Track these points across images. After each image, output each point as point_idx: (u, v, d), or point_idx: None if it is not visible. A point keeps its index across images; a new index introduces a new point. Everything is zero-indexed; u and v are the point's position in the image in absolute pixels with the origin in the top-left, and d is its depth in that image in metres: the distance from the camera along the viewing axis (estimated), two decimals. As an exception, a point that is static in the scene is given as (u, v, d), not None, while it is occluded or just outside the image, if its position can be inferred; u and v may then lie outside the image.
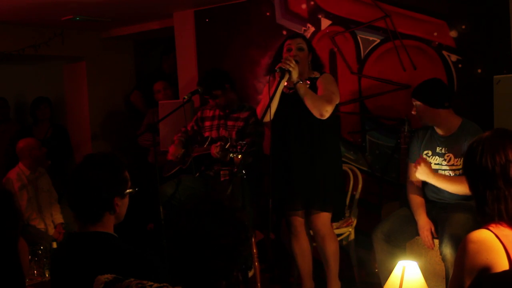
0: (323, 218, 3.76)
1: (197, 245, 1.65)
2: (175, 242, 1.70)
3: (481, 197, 1.89)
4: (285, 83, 3.67)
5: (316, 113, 3.59)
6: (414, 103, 3.54)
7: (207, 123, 4.50)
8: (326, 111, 3.59)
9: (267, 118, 3.69)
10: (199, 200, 1.75)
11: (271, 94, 3.60)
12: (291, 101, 3.70)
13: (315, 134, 3.69)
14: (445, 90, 3.54)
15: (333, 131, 3.83)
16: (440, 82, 3.60)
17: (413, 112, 3.57)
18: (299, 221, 3.86)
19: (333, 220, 3.95)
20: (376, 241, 3.58)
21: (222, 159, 4.07)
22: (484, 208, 1.89)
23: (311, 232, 3.94)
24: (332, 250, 3.80)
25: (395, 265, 2.78)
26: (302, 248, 3.90)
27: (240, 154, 3.48)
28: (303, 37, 3.89)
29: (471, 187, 1.94)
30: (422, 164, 3.42)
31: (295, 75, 3.55)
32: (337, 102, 3.70)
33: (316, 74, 3.80)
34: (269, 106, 3.49)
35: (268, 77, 3.71)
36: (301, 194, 3.73)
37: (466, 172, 1.95)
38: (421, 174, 3.44)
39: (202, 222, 1.66)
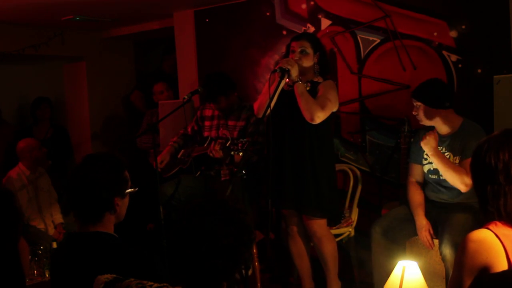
0: (318, 220, 3.75)
1: (197, 243, 1.65)
2: (176, 240, 1.70)
3: (483, 194, 1.91)
4: (286, 80, 3.66)
5: (307, 116, 3.55)
6: (414, 104, 3.52)
7: (207, 123, 4.50)
8: (318, 117, 3.55)
9: (260, 115, 3.72)
10: (203, 199, 1.74)
11: (271, 93, 3.60)
12: (289, 98, 3.68)
13: (307, 135, 3.66)
14: (446, 90, 3.53)
15: (327, 135, 3.77)
16: (440, 82, 3.59)
17: (414, 113, 3.56)
18: (294, 220, 3.84)
19: (330, 225, 3.95)
20: (374, 235, 3.57)
21: (223, 159, 4.07)
22: (486, 205, 1.90)
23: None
24: (329, 251, 3.78)
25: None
26: (299, 248, 3.89)
27: (241, 152, 3.47)
28: (308, 38, 3.79)
29: (475, 184, 1.96)
30: (432, 136, 3.39)
31: (294, 73, 3.53)
32: (332, 110, 3.65)
33: (319, 79, 3.75)
34: (269, 106, 3.49)
35: (269, 76, 3.70)
36: (292, 195, 3.71)
37: (472, 169, 1.97)
38: (426, 144, 3.40)
39: (204, 220, 1.66)
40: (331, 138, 3.82)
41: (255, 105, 3.84)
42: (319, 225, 3.74)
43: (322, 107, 3.56)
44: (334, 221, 4.02)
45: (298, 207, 3.76)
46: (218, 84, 4.31)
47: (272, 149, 3.72)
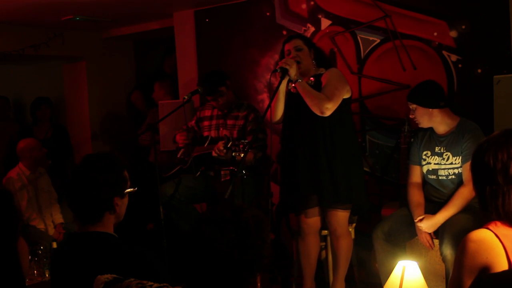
0: (340, 217, 3.71)
1: (206, 257, 1.61)
2: (189, 245, 1.66)
3: (482, 194, 1.91)
4: (292, 84, 3.65)
5: (316, 111, 3.51)
6: (410, 107, 3.54)
7: (206, 123, 4.50)
8: (327, 108, 3.49)
9: (274, 119, 3.71)
10: (229, 211, 1.67)
11: (275, 94, 3.60)
12: (297, 99, 3.67)
13: (320, 130, 3.63)
14: (439, 90, 3.55)
15: (348, 126, 3.73)
16: (433, 83, 3.60)
17: (411, 116, 3.58)
18: (309, 219, 3.81)
19: (354, 214, 3.90)
20: (376, 240, 3.58)
21: (226, 159, 4.07)
22: (485, 206, 1.91)
23: (323, 232, 3.94)
24: (345, 251, 3.76)
25: (395, 265, 2.79)
26: (308, 248, 3.86)
27: (242, 153, 3.47)
28: (298, 36, 3.82)
29: (474, 184, 1.96)
30: (423, 221, 3.44)
31: (293, 72, 3.52)
32: (342, 97, 3.58)
33: (321, 71, 3.73)
34: (269, 106, 3.49)
35: (269, 77, 3.69)
36: (315, 191, 3.68)
37: (471, 169, 1.97)
38: (429, 227, 3.44)
39: (221, 238, 1.61)
40: (350, 127, 3.75)
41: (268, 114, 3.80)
42: (339, 222, 3.72)
43: (329, 98, 3.50)
44: (358, 212, 3.90)
45: (319, 202, 3.73)
46: (216, 77, 4.35)
47: (285, 149, 3.73)
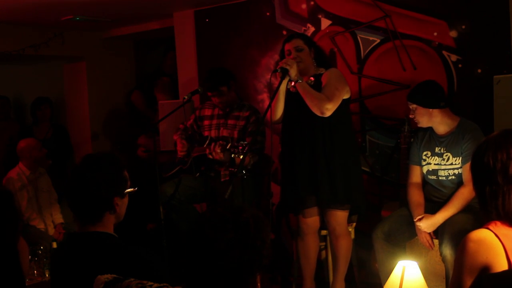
0: (339, 217, 3.71)
1: (207, 256, 1.61)
2: (189, 245, 1.66)
3: (482, 194, 1.91)
4: (292, 83, 3.65)
5: (316, 112, 3.51)
6: (410, 107, 3.54)
7: (206, 122, 4.49)
8: (327, 109, 3.49)
9: (274, 118, 3.71)
10: (228, 211, 1.67)
11: (276, 94, 3.60)
12: (296, 99, 3.66)
13: (326, 131, 3.62)
14: (439, 91, 3.55)
15: (347, 127, 3.73)
16: (434, 83, 3.60)
17: (410, 116, 3.58)
18: (307, 220, 3.81)
19: (351, 220, 3.90)
20: (376, 241, 3.58)
21: (224, 161, 4.07)
22: (485, 206, 1.91)
23: (323, 232, 3.94)
24: (344, 251, 3.76)
25: (395, 265, 2.79)
26: (307, 249, 3.86)
27: (241, 155, 3.46)
28: (299, 36, 3.80)
29: (474, 184, 1.96)
30: (423, 221, 3.44)
31: (293, 73, 3.52)
32: (342, 97, 3.58)
33: (321, 70, 3.73)
34: (269, 106, 3.48)
35: (269, 77, 3.69)
36: (314, 192, 3.68)
37: (471, 170, 1.98)
38: (428, 227, 3.44)
39: (220, 238, 1.61)
40: (349, 128, 3.76)
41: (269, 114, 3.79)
42: (338, 222, 3.72)
43: (329, 98, 3.50)
44: (356, 211, 3.89)
45: (318, 202, 3.73)
46: (220, 75, 4.34)
47: (286, 149, 3.73)
